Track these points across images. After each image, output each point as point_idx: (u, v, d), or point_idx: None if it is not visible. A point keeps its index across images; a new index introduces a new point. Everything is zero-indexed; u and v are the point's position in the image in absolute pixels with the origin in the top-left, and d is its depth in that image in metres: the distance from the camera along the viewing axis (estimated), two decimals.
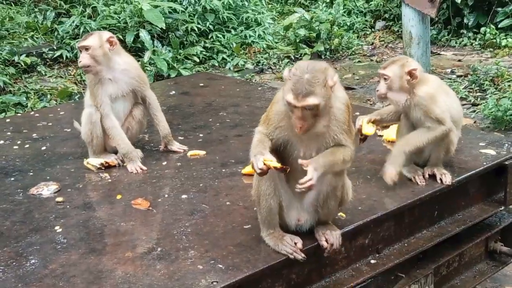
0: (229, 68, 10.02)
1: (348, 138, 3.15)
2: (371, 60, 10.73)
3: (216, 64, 10.20)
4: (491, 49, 10.53)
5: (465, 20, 11.07)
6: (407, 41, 8.79)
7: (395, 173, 3.87)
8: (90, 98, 4.55)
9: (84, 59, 4.42)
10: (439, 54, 10.59)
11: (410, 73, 3.88)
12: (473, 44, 10.90)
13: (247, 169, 4.25)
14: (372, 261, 3.65)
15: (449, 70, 9.57)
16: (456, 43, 11.03)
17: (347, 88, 8.98)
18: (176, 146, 4.73)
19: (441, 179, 3.98)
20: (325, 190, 3.23)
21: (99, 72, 4.46)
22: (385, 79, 3.93)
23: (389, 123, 4.36)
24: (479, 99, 8.06)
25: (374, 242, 3.67)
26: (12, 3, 11.05)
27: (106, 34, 4.54)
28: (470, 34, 11.04)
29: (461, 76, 9.21)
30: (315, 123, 3.03)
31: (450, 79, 8.97)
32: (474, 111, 7.73)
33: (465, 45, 10.98)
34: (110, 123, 4.50)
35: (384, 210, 3.66)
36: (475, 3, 10.94)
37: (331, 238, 3.28)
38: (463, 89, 8.47)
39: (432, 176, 4.03)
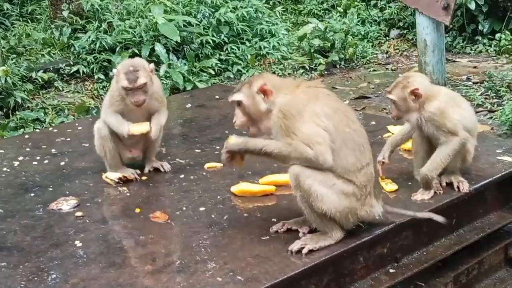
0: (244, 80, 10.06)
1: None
2: (386, 68, 10.73)
3: (232, 76, 10.25)
4: (506, 55, 10.49)
5: (480, 27, 11.04)
6: (422, 49, 8.79)
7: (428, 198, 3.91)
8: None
9: (141, 96, 4.39)
10: (454, 61, 10.56)
11: (413, 93, 3.90)
12: (489, 51, 10.87)
13: (265, 180, 4.28)
14: (391, 270, 3.65)
15: (465, 77, 9.55)
16: (471, 50, 11.00)
17: (363, 97, 8.98)
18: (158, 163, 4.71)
19: (458, 187, 3.97)
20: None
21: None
22: (393, 102, 3.97)
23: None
24: (495, 105, 8.04)
25: (393, 251, 3.67)
26: (28, 20, 11.17)
27: (147, 65, 4.53)
28: (485, 41, 11.01)
29: (477, 82, 9.19)
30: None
31: (466, 86, 8.95)
32: (491, 117, 7.70)
33: (480, 51, 10.94)
34: (102, 128, 4.56)
35: (402, 219, 3.65)
36: (490, 9, 10.91)
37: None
38: (479, 95, 8.44)
39: (450, 184, 4.03)
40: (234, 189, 4.18)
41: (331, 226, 3.42)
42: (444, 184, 4.04)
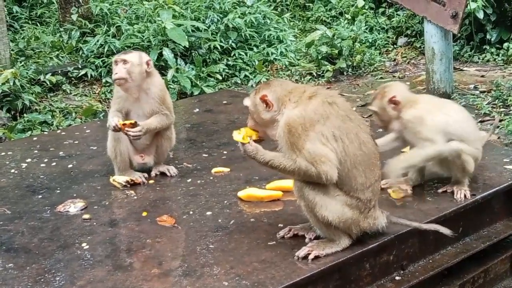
0: (252, 86, 10.05)
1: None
2: (394, 76, 10.72)
3: (239, 82, 10.26)
4: None
5: (488, 36, 11.02)
6: (429, 57, 8.78)
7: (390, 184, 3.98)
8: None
9: (120, 71, 4.47)
10: (462, 70, 10.54)
11: (392, 101, 3.94)
12: (496, 60, 10.85)
13: (272, 185, 4.29)
14: (397, 278, 3.66)
15: (472, 86, 9.53)
16: (479, 58, 10.98)
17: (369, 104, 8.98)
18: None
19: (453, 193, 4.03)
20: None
21: (129, 89, 4.52)
22: (375, 113, 4.03)
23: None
24: (502, 114, 8.01)
25: (399, 258, 3.68)
26: (37, 23, 11.22)
27: (146, 56, 4.62)
28: (493, 50, 11.00)
29: (484, 91, 9.16)
30: None
31: (473, 95, 8.93)
32: (498, 126, 7.68)
33: (488, 60, 10.93)
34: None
35: (409, 227, 3.66)
36: (498, 18, 10.90)
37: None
38: (486, 104, 8.42)
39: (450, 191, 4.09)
40: (241, 194, 4.19)
41: (337, 234, 3.43)
42: (447, 190, 4.06)
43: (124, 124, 4.43)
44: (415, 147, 3.95)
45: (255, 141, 3.53)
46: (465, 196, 4.00)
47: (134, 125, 4.45)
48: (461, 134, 4.01)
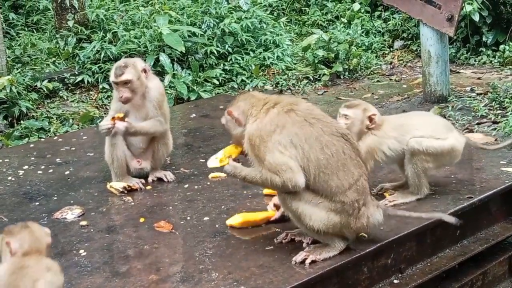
0: (249, 90, 10.06)
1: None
2: (390, 79, 10.73)
3: (236, 86, 10.26)
4: (510, 67, 10.48)
5: (484, 38, 11.04)
6: (426, 60, 8.79)
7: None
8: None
9: (125, 93, 4.45)
10: (458, 72, 10.56)
11: (370, 118, 3.97)
12: (492, 62, 10.86)
13: (269, 190, 4.28)
14: (395, 281, 3.66)
15: (468, 88, 9.54)
16: (475, 61, 11.00)
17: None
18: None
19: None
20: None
21: (134, 99, 4.52)
22: (346, 118, 4.00)
23: None
24: (499, 116, 8.02)
25: (397, 262, 3.68)
26: (34, 30, 11.22)
27: (140, 63, 4.58)
28: (489, 52, 11.01)
29: (481, 94, 9.17)
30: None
31: (470, 97, 8.94)
32: (495, 129, 7.69)
33: (484, 63, 10.94)
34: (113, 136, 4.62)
35: (407, 230, 3.66)
36: (494, 21, 10.92)
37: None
38: (483, 107, 8.43)
39: (446, 194, 4.12)
40: (232, 222, 3.91)
41: (331, 238, 3.43)
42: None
43: (113, 118, 4.45)
44: None
45: (244, 155, 3.58)
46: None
47: (122, 119, 4.46)
48: (429, 132, 4.03)
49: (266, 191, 4.28)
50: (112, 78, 4.51)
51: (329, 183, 3.32)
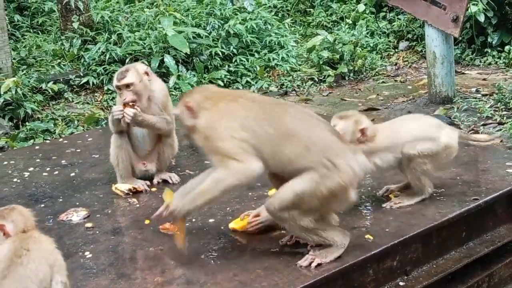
0: (253, 91, 10.08)
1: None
2: (395, 80, 10.73)
3: (241, 87, 10.27)
4: None
5: (489, 39, 11.04)
6: (431, 61, 8.79)
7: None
8: None
9: (128, 96, 4.47)
10: (463, 73, 10.55)
11: (362, 131, 3.93)
12: (498, 63, 10.86)
13: (274, 191, 4.27)
14: (401, 283, 3.64)
15: (474, 89, 9.53)
16: (480, 62, 11.00)
17: (372, 109, 8.97)
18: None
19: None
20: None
21: (139, 102, 4.53)
22: (339, 129, 3.92)
23: None
24: (505, 118, 8.01)
25: (403, 264, 3.66)
26: (39, 32, 11.26)
27: (141, 67, 4.61)
28: (495, 53, 11.01)
29: (486, 95, 9.17)
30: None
31: (475, 98, 8.93)
32: (500, 130, 7.68)
33: (490, 63, 10.93)
34: (119, 138, 4.66)
35: (412, 232, 3.65)
36: (499, 21, 10.91)
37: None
38: (488, 108, 8.42)
39: (451, 196, 4.10)
40: (234, 225, 3.90)
41: (330, 235, 3.39)
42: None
43: (124, 104, 4.46)
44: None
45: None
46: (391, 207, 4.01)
47: (132, 106, 4.47)
48: (419, 133, 4.02)
49: (271, 192, 4.27)
50: (114, 82, 4.53)
51: (286, 153, 3.32)
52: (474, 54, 11.12)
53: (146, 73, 4.57)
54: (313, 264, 3.34)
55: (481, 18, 10.68)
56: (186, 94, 3.74)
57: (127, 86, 4.46)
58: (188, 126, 3.59)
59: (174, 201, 3.57)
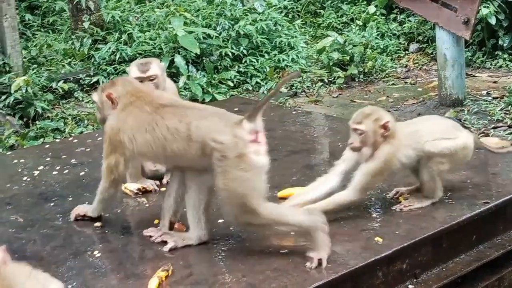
0: (263, 92, 10.07)
1: None
2: (405, 82, 10.71)
3: (250, 88, 10.27)
4: None
5: (500, 42, 10.99)
6: (441, 64, 8.76)
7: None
8: None
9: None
10: (474, 76, 10.52)
11: (384, 126, 3.87)
12: (509, 66, 10.81)
13: (284, 193, 4.27)
14: (410, 286, 3.62)
15: (484, 92, 9.50)
16: (491, 64, 10.96)
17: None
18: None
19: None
20: None
21: None
22: (359, 134, 3.89)
23: None
24: None
25: (412, 267, 3.65)
26: (50, 31, 11.30)
27: (161, 62, 4.63)
28: (506, 56, 10.96)
29: (497, 98, 9.14)
30: None
31: (486, 101, 8.91)
32: (511, 133, 7.65)
33: (501, 66, 10.89)
34: None
35: (422, 235, 3.64)
36: (510, 24, 10.87)
37: None
38: (499, 110, 8.40)
39: (462, 199, 4.07)
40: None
41: (292, 223, 3.43)
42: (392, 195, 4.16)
43: None
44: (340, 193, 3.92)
45: None
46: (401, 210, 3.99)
47: None
48: (441, 132, 4.02)
49: (280, 193, 4.27)
50: (137, 74, 4.46)
51: (169, 153, 3.46)
52: (485, 57, 11.08)
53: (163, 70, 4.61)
54: (324, 264, 3.33)
55: (492, 21, 10.64)
56: (107, 84, 3.86)
57: (151, 78, 4.45)
58: (102, 116, 3.77)
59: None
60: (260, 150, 3.40)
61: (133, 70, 4.53)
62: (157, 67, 4.51)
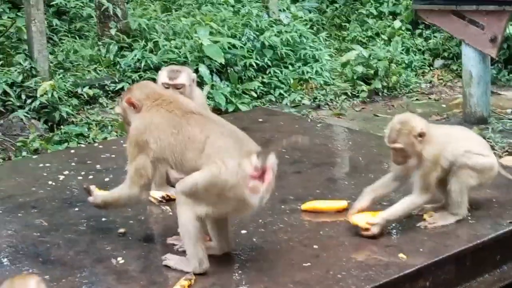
0: (286, 104, 10.08)
1: None
2: (429, 98, 10.66)
3: (273, 99, 10.28)
4: None
5: None
6: (467, 81, 8.73)
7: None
8: None
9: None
10: (499, 94, 10.45)
11: (420, 134, 3.86)
12: None
13: (307, 206, 4.27)
14: None
15: (509, 111, 9.44)
16: None
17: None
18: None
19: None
20: None
21: None
22: (400, 151, 3.88)
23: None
24: None
25: (435, 285, 3.63)
26: (76, 37, 11.38)
27: (192, 72, 4.66)
28: None
29: None
30: None
31: (510, 119, 8.85)
32: None
33: None
34: None
35: (446, 253, 3.62)
36: None
37: None
38: None
39: (486, 218, 4.07)
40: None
41: (195, 251, 3.48)
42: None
43: None
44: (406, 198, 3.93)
45: None
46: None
47: None
48: (475, 147, 4.04)
49: (304, 206, 4.27)
50: (165, 80, 4.50)
51: (184, 159, 3.47)
52: (511, 75, 11.01)
53: (193, 80, 4.62)
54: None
55: None
56: (125, 93, 3.89)
57: (177, 87, 4.48)
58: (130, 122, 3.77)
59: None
60: (258, 188, 3.38)
61: (162, 75, 4.57)
62: (186, 76, 4.53)
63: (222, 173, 3.33)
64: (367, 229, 3.82)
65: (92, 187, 4.00)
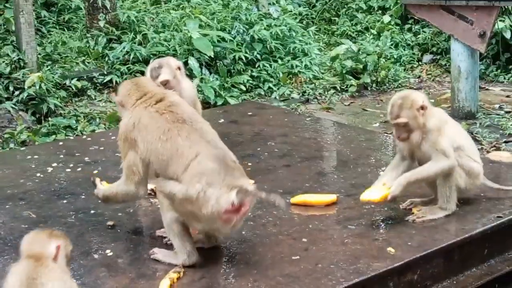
0: (275, 97, 10.07)
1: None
2: None
3: (262, 93, 10.27)
4: None
5: None
6: (455, 76, 8.74)
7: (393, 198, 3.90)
8: None
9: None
10: (487, 89, 10.48)
11: (422, 107, 3.91)
12: None
13: (296, 199, 4.28)
14: None
15: (497, 106, 9.47)
16: (504, 78, 10.91)
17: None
18: None
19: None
20: None
21: None
22: (404, 126, 3.92)
23: None
24: None
25: (423, 278, 3.65)
26: (65, 28, 11.31)
27: (174, 62, 4.62)
28: None
29: (509, 112, 9.11)
30: None
31: (498, 115, 8.88)
32: None
33: None
34: None
35: (434, 246, 3.64)
36: None
37: None
38: (511, 125, 8.37)
39: (475, 212, 4.09)
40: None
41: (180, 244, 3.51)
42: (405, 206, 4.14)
43: None
44: (427, 163, 3.94)
45: None
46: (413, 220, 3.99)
47: None
48: (468, 148, 4.07)
49: (293, 200, 4.28)
50: (150, 79, 4.51)
51: (168, 169, 3.42)
52: (499, 71, 11.05)
53: (179, 68, 4.59)
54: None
55: (507, 35, 10.63)
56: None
57: (163, 84, 4.46)
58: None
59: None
60: (231, 220, 3.34)
61: (147, 74, 4.56)
62: (168, 70, 4.48)
63: (199, 199, 3.28)
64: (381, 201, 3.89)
65: (97, 180, 3.98)
